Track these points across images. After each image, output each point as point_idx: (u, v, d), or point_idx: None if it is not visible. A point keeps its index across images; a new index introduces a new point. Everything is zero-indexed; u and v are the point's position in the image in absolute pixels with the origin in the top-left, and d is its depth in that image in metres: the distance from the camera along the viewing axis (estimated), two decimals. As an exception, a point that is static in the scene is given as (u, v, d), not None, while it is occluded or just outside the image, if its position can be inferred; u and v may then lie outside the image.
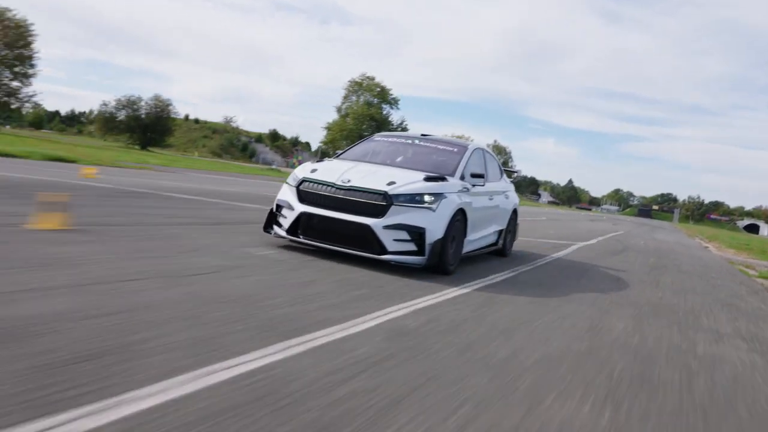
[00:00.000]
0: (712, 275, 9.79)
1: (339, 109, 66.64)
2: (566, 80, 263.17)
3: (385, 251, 5.21)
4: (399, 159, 6.72)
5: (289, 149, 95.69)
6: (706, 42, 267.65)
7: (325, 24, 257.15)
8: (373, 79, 66.35)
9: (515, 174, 9.35)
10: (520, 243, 9.28)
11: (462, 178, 6.15)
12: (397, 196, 5.27)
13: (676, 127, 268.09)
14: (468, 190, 6.11)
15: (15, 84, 52.06)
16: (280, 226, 5.74)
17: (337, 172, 5.66)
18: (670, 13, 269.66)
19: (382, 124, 61.86)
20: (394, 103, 66.98)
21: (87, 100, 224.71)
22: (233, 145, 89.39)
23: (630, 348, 3.74)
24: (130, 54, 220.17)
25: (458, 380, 2.63)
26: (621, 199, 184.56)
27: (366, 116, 63.41)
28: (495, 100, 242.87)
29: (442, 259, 5.36)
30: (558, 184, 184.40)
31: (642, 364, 3.39)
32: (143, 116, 62.49)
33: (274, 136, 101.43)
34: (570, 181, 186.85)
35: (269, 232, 5.92)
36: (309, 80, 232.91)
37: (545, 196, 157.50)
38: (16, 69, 51.38)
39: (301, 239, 5.54)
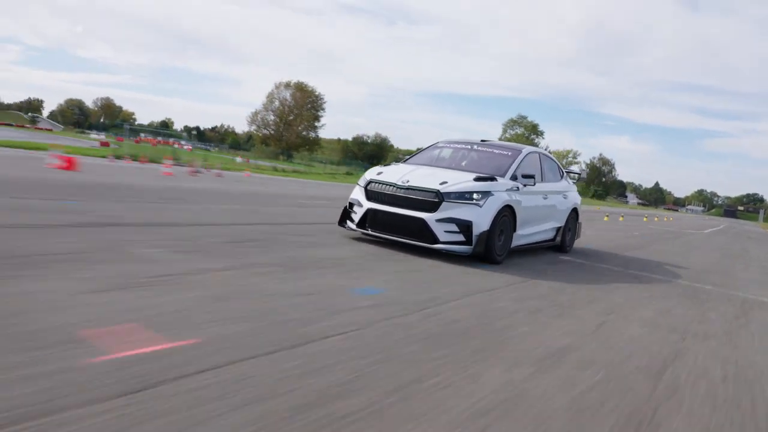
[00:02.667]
0: (751, 230, 37.31)
1: (500, 140, 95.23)
2: (642, 73, 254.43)
3: (437, 241, 6.18)
4: (458, 163, 7.70)
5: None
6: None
7: (392, 24, 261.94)
8: (525, 117, 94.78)
9: (578, 175, 10.07)
10: (696, 220, 37.15)
11: (514, 178, 6.99)
12: (448, 194, 6.24)
13: (763, 121, 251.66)
14: (518, 189, 6.94)
15: (304, 133, 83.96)
16: (352, 220, 6.90)
17: (398, 174, 6.72)
18: None
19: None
20: (540, 134, 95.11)
21: (171, 107, 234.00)
22: (397, 160, 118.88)
23: (741, 232, 31.67)
24: (205, 59, 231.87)
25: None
26: (705, 200, 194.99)
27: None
28: (566, 96, 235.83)
29: (488, 249, 6.27)
30: (640, 186, 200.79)
31: (737, 236, 31.44)
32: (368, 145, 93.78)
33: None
34: (657, 184, 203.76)
35: (343, 226, 7.11)
36: (377, 81, 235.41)
37: (631, 198, 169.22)
38: (307, 122, 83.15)
39: (369, 231, 6.69)
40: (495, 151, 7.69)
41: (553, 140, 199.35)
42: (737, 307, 5.99)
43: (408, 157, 8.08)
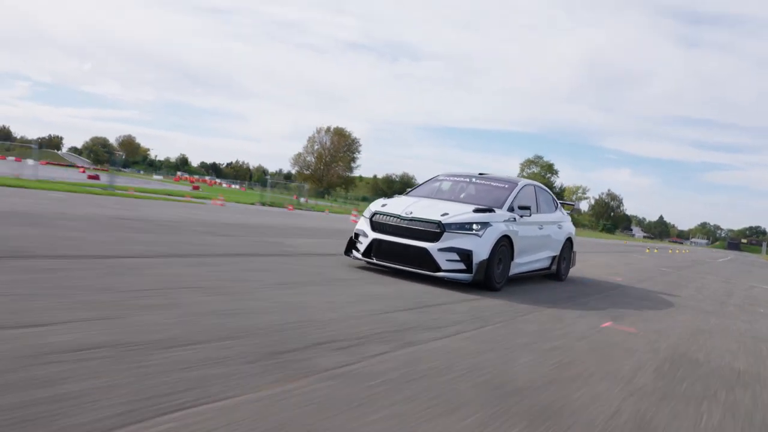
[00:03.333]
0: (754, 260, 44.98)
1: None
2: (642, 108, 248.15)
3: (439, 269, 6.63)
4: (458, 195, 8.16)
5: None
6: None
7: (395, 61, 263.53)
8: (542, 157, 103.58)
9: (573, 207, 10.75)
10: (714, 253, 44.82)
11: (511, 209, 7.45)
12: (449, 224, 6.71)
13: (763, 153, 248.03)
14: (515, 220, 7.39)
15: (341, 173, 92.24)
16: (357, 250, 7.35)
17: (402, 205, 7.18)
18: (755, 35, 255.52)
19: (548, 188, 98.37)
20: (555, 172, 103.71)
21: (176, 141, 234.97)
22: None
23: (746, 262, 39.37)
24: (209, 95, 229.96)
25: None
26: (708, 233, 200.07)
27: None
28: (567, 131, 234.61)
29: (488, 277, 6.71)
30: (644, 219, 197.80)
31: (736, 260, 39.20)
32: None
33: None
34: (661, 217, 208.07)
35: (349, 255, 7.53)
36: (380, 116, 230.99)
37: (637, 231, 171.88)
38: (344, 164, 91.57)
39: (374, 260, 7.10)
40: (492, 183, 8.18)
41: (566, 177, 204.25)
42: (748, 286, 14.02)
43: (410, 189, 8.60)
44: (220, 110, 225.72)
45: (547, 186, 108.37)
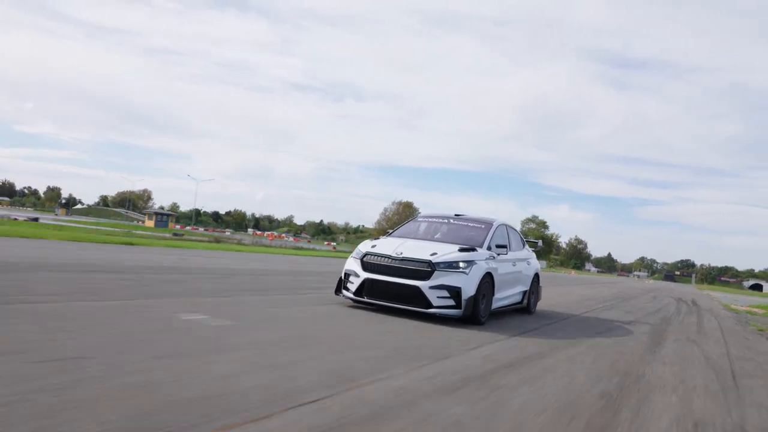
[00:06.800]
0: (687, 288, 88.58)
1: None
2: (580, 147, 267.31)
3: (430, 306, 7.33)
4: (438, 235, 8.96)
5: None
6: (718, 106, 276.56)
7: (340, 102, 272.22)
8: (537, 217, 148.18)
9: (537, 245, 11.92)
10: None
11: (489, 248, 8.31)
12: (439, 263, 7.41)
13: (693, 189, 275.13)
14: (494, 258, 8.24)
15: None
16: (347, 289, 8.00)
17: (392, 246, 7.91)
18: (680, 78, 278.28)
19: (542, 240, 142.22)
20: (546, 227, 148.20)
21: (113, 182, 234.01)
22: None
23: (678, 287, 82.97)
24: (154, 136, 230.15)
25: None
26: (647, 266, 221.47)
27: (534, 237, 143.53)
28: (510, 169, 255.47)
29: (474, 312, 7.42)
30: (590, 255, 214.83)
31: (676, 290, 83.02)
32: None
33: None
34: (609, 254, 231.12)
35: (339, 295, 8.28)
36: (326, 155, 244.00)
37: (590, 267, 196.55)
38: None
39: (365, 299, 7.75)
40: (470, 224, 9.14)
41: (554, 223, 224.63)
42: (689, 288, 57.12)
43: (392, 230, 9.43)
44: (165, 150, 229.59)
45: (541, 237, 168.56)
